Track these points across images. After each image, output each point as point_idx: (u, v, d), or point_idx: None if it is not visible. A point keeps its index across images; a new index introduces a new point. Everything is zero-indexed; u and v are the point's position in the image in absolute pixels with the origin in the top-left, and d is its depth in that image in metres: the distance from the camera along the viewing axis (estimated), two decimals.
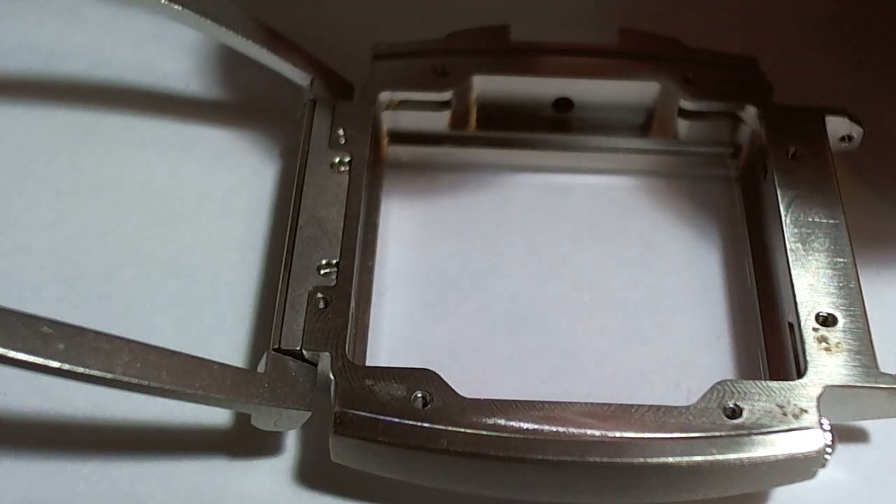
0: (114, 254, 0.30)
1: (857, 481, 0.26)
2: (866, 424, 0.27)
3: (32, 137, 0.33)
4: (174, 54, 0.34)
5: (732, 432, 0.24)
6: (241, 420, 0.27)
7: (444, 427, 0.24)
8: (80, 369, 0.22)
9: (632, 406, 0.24)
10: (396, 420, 0.24)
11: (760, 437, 0.24)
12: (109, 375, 0.22)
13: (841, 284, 0.26)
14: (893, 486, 0.26)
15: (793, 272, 0.27)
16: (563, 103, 0.31)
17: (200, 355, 0.24)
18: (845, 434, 0.26)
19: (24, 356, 0.21)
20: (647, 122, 0.31)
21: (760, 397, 0.24)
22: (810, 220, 0.28)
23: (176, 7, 0.29)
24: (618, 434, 0.24)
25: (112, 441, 0.27)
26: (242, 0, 0.31)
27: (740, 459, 0.24)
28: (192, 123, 0.33)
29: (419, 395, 0.25)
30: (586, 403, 0.24)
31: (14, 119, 0.33)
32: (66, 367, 0.21)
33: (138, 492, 0.26)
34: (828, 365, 0.25)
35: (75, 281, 0.30)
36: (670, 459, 0.24)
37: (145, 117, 0.33)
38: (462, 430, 0.24)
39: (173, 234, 0.30)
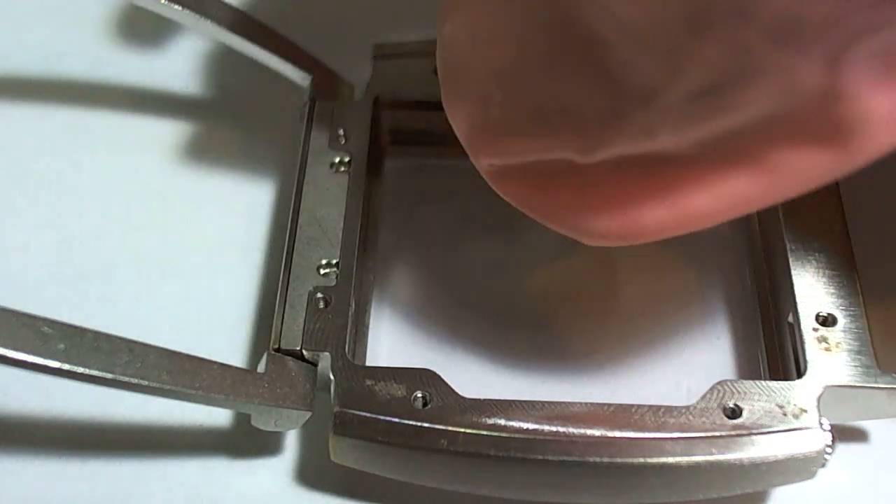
0: (114, 254, 0.30)
1: (857, 481, 0.26)
2: (866, 424, 0.27)
3: (32, 137, 0.33)
4: (174, 54, 0.34)
5: (732, 432, 0.24)
6: (241, 420, 0.27)
7: (443, 427, 0.24)
8: (80, 369, 0.22)
9: (631, 406, 0.24)
10: (396, 420, 0.24)
11: (760, 437, 0.24)
12: (109, 375, 0.22)
13: (841, 284, 0.26)
14: (893, 486, 0.26)
15: (793, 272, 0.27)
16: None
17: (200, 355, 0.24)
18: (845, 434, 0.26)
19: (24, 356, 0.21)
20: None
21: (760, 397, 0.24)
22: (810, 220, 0.28)
23: (176, 7, 0.29)
24: (618, 434, 0.24)
25: (112, 441, 0.27)
26: (242, 0, 0.31)
27: (740, 459, 0.24)
28: (192, 123, 0.33)
29: (419, 395, 0.25)
30: (586, 403, 0.24)
31: (14, 119, 0.33)
32: (66, 367, 0.21)
33: (138, 492, 0.26)
34: (828, 365, 0.25)
35: (75, 281, 0.30)
36: (670, 459, 0.24)
37: (145, 117, 0.33)
38: (462, 430, 0.24)
39: (173, 234, 0.30)
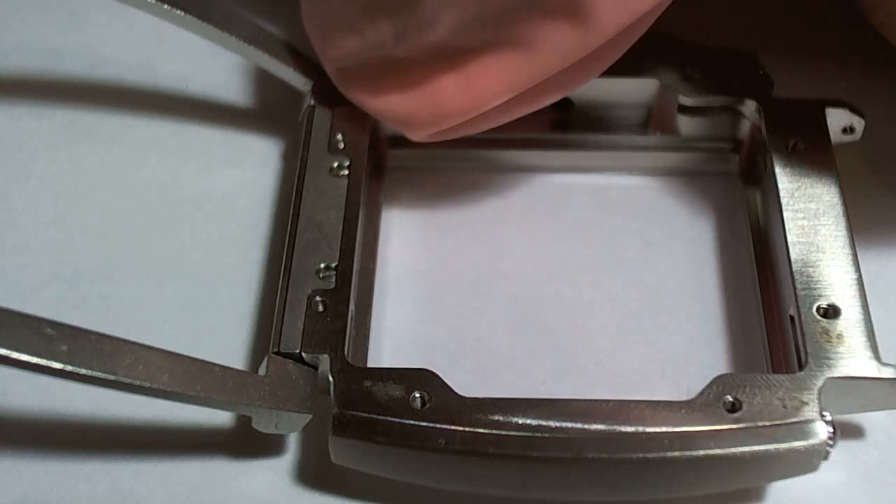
0: (114, 254, 0.30)
1: (857, 481, 0.26)
2: (866, 424, 0.27)
3: (32, 137, 0.33)
4: (174, 54, 0.34)
5: (733, 426, 0.24)
6: (242, 420, 0.27)
7: (441, 426, 0.24)
8: (83, 371, 0.22)
9: (630, 402, 0.24)
10: (395, 420, 0.24)
11: (761, 430, 0.24)
12: (112, 377, 0.22)
13: (842, 276, 0.26)
14: (893, 486, 0.26)
15: (794, 265, 0.27)
16: (563, 102, 0.31)
17: (200, 356, 0.24)
18: (845, 434, 0.26)
19: (27, 357, 0.21)
20: (647, 120, 0.31)
21: (760, 390, 0.24)
22: (811, 212, 0.27)
23: (178, 12, 0.29)
24: (617, 430, 0.24)
25: (112, 441, 0.27)
26: (244, 5, 0.31)
27: (741, 453, 0.24)
28: (192, 124, 0.33)
29: (417, 395, 0.25)
30: (585, 400, 0.24)
31: (14, 119, 0.33)
32: (68, 368, 0.22)
33: (138, 492, 0.26)
34: (829, 357, 0.25)
35: (75, 281, 0.30)
36: (670, 454, 0.24)
37: (145, 117, 0.33)
38: (460, 428, 0.24)
39: (173, 234, 0.31)
